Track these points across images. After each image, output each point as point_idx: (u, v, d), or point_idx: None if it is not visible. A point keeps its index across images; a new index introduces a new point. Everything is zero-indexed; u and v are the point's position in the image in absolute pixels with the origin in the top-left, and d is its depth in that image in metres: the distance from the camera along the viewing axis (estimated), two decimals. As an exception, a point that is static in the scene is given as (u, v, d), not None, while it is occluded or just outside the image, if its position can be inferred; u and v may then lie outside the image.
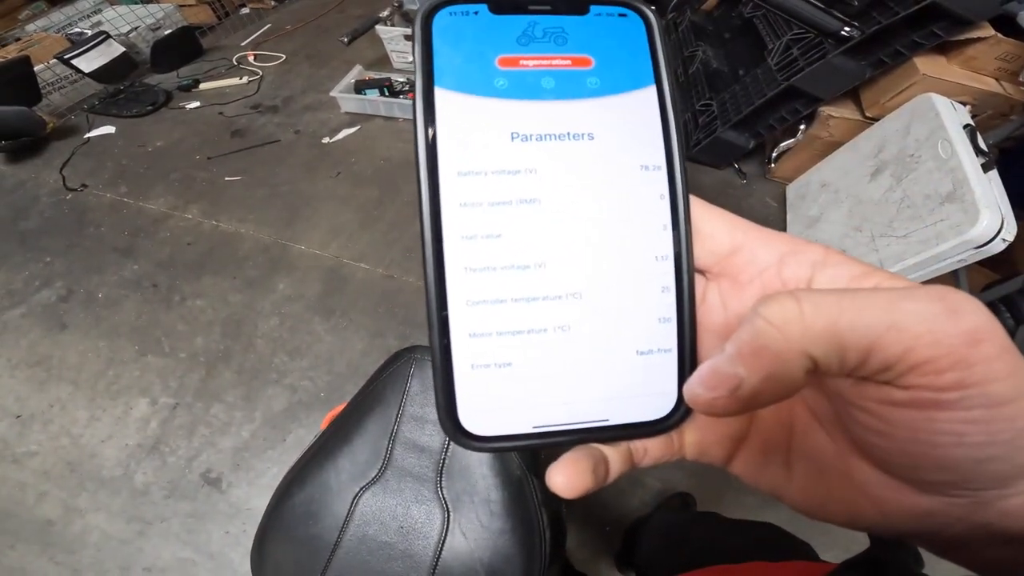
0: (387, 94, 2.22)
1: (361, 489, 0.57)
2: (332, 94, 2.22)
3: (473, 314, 0.17)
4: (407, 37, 2.33)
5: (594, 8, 0.18)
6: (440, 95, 0.16)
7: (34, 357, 1.52)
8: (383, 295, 1.63)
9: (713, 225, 0.18)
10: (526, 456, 0.59)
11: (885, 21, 1.42)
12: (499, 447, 0.17)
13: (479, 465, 0.58)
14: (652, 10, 0.18)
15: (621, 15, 0.18)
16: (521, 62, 0.17)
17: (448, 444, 0.59)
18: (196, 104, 2.40)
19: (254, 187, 2.00)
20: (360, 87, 2.23)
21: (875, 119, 1.58)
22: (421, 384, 0.61)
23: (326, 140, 2.18)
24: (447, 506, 0.56)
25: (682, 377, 0.18)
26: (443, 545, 0.54)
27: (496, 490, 0.56)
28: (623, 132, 0.18)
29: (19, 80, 2.18)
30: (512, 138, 0.17)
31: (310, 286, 1.66)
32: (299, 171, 2.06)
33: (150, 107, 2.35)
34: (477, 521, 0.55)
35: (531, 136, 0.17)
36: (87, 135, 2.26)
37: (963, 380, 0.14)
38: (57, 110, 2.36)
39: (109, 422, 1.38)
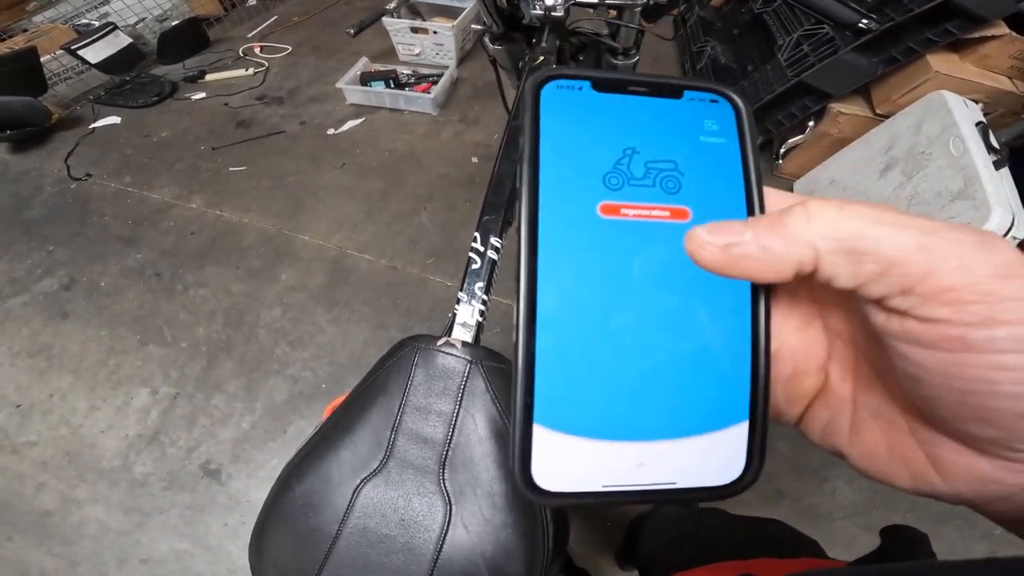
0: (393, 86, 2.22)
1: (362, 481, 0.56)
2: (338, 86, 2.21)
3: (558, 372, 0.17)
4: (414, 29, 2.32)
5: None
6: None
7: (35, 346, 1.51)
8: (386, 286, 1.62)
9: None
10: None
11: (898, 18, 1.40)
12: (565, 503, 0.17)
13: (483, 458, 0.56)
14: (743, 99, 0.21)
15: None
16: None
17: (452, 435, 0.58)
18: (202, 95, 2.39)
19: (258, 178, 1.99)
20: (366, 79, 2.23)
21: (885, 116, 1.56)
22: (425, 374, 0.60)
23: (331, 131, 2.17)
24: (449, 499, 0.55)
25: (751, 448, 0.19)
26: (445, 538, 0.53)
27: (499, 483, 0.55)
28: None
29: (25, 71, 2.17)
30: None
31: (313, 277, 1.65)
32: (304, 162, 2.05)
33: (156, 98, 2.35)
34: (480, 514, 0.54)
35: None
36: (92, 125, 2.25)
37: (992, 316, 0.13)
38: (63, 100, 2.36)
39: (109, 412, 1.38)
